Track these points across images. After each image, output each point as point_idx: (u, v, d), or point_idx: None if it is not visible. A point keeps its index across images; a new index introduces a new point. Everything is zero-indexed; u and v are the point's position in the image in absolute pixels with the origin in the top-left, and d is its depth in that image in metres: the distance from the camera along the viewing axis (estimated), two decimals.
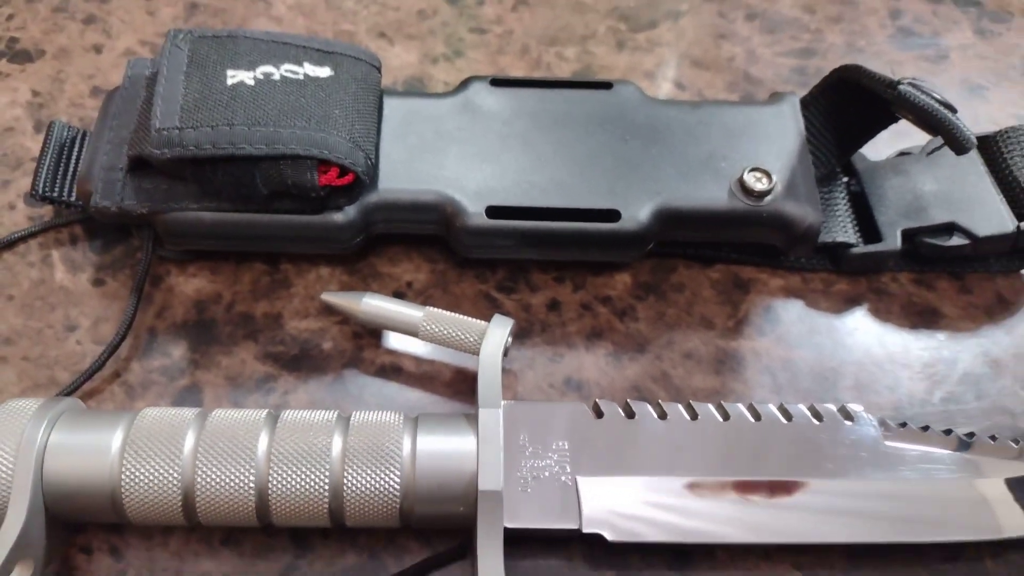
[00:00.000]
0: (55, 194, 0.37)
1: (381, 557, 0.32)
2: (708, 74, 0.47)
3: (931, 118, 0.32)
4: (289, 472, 0.30)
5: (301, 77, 0.34)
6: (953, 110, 0.32)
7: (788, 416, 0.33)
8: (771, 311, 0.39)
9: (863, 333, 0.38)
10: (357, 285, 0.38)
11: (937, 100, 0.32)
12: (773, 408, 0.34)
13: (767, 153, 0.37)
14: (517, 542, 0.31)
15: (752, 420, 0.33)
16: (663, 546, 0.32)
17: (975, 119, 0.46)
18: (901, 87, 0.32)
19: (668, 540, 0.31)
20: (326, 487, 0.30)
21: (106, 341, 0.36)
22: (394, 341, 0.37)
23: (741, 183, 0.36)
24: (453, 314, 0.34)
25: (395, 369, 0.36)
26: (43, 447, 0.30)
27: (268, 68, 0.33)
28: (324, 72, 0.34)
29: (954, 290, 0.40)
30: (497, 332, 0.34)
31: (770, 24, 0.49)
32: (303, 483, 0.30)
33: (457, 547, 0.32)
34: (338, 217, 0.35)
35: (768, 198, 0.36)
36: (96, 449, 0.30)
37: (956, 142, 0.32)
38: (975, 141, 0.33)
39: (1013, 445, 0.34)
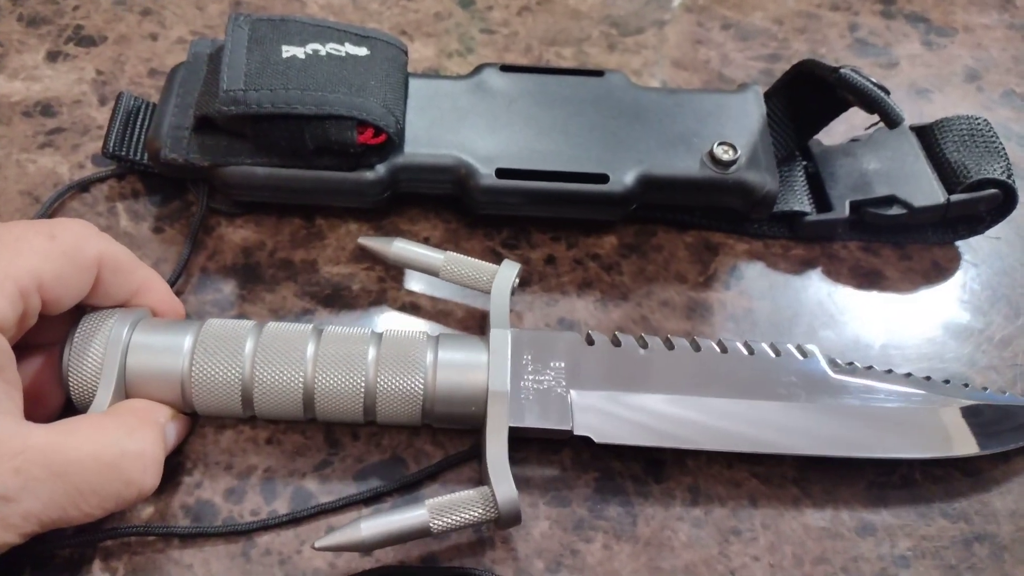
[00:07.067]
0: (123, 152, 0.43)
1: (401, 456, 0.37)
2: (687, 74, 0.53)
3: (866, 96, 0.38)
4: (332, 374, 0.35)
5: (343, 54, 0.40)
6: (887, 92, 0.39)
7: (751, 351, 0.38)
8: (736, 270, 0.44)
9: (815, 290, 0.44)
10: None
11: (872, 83, 0.38)
12: (738, 344, 0.38)
13: (733, 131, 0.43)
14: (518, 446, 0.36)
15: (720, 352, 0.38)
16: (640, 451, 0.37)
17: (920, 117, 0.51)
18: (842, 71, 0.39)
19: (644, 443, 0.36)
20: (362, 387, 0.35)
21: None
22: (413, 285, 0.43)
23: (711, 155, 0.42)
24: (469, 258, 0.39)
25: (414, 307, 0.42)
26: (126, 345, 0.34)
27: (316, 46, 0.39)
28: (362, 52, 0.41)
29: (896, 257, 0.46)
30: (507, 272, 0.39)
31: (743, 32, 0.56)
32: (343, 383, 0.35)
33: (468, 450, 0.37)
34: (370, 174, 0.41)
35: (733, 168, 0.41)
36: (170, 348, 0.35)
37: (888, 117, 0.38)
38: (903, 116, 0.38)
39: (942, 384, 0.39)
